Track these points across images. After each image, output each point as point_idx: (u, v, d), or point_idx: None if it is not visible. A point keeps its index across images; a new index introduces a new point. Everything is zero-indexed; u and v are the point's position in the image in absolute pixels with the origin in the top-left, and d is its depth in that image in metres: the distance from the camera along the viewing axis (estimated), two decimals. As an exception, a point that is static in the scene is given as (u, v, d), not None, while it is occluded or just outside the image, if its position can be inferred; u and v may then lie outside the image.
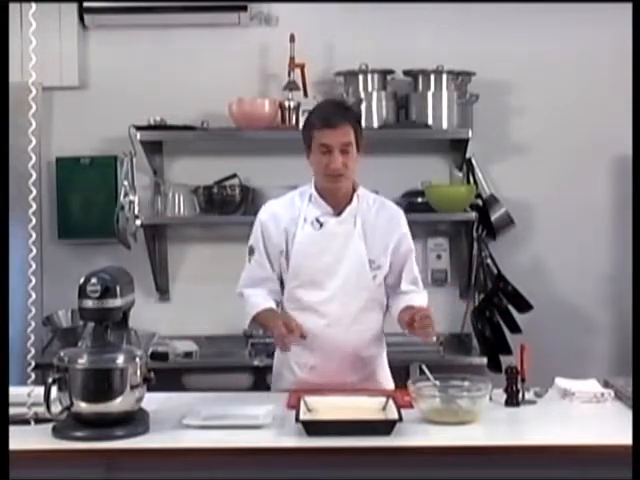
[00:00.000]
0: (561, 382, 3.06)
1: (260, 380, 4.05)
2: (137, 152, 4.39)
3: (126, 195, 4.36)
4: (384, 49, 4.48)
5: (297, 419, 2.56)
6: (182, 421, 2.65)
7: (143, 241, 4.46)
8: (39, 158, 2.88)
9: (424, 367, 2.87)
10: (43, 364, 3.17)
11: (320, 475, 2.47)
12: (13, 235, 2.83)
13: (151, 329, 4.36)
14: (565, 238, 4.59)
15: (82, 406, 2.55)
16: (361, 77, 4.43)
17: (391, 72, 4.51)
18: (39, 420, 2.64)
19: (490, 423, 2.68)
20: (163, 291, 4.63)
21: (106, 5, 4.42)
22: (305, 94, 4.44)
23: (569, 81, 4.55)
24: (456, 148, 4.52)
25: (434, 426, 2.64)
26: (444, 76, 4.42)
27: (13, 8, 2.90)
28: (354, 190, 3.14)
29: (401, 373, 3.37)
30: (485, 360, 4.24)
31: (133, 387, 2.59)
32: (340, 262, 3.09)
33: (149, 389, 2.68)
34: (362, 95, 4.39)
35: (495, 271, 4.49)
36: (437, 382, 2.78)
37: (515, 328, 4.39)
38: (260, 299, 3.14)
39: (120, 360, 2.59)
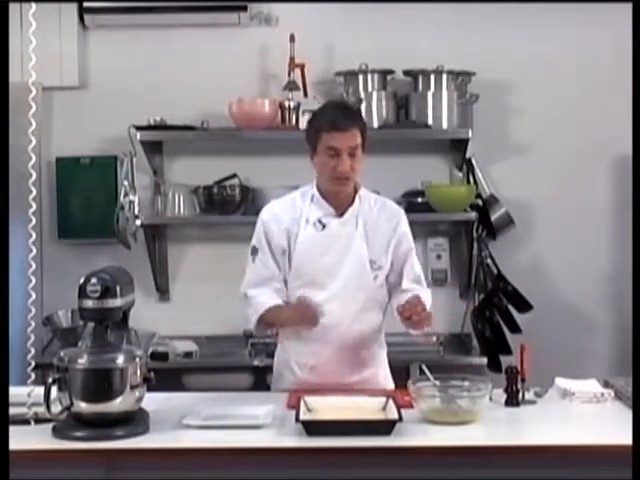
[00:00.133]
0: (561, 382, 3.06)
1: (260, 380, 4.05)
2: (137, 152, 4.39)
3: (126, 195, 4.37)
4: (384, 49, 4.48)
5: (297, 419, 2.56)
6: (182, 421, 2.65)
7: (143, 241, 4.46)
8: (39, 158, 2.88)
9: (424, 367, 2.87)
10: (43, 364, 3.16)
11: (320, 475, 2.47)
12: (13, 235, 2.83)
13: (151, 329, 4.37)
14: (565, 238, 4.59)
15: (82, 406, 2.55)
16: (361, 77, 4.43)
17: (391, 72, 4.51)
18: (39, 420, 2.64)
19: (490, 423, 2.68)
20: (163, 291, 4.63)
21: (106, 5, 4.42)
22: (305, 94, 4.45)
23: (569, 81, 4.55)
24: (456, 148, 4.52)
25: (434, 426, 2.64)
26: (444, 76, 4.42)
27: (13, 8, 2.90)
28: (356, 191, 3.14)
29: (401, 373, 3.37)
30: (485, 360, 4.24)
31: (133, 387, 2.59)
32: (341, 263, 3.09)
33: (149, 389, 2.67)
34: (362, 95, 4.39)
35: (495, 271, 4.49)
36: (437, 382, 2.78)
37: (515, 328, 4.39)
38: (266, 297, 3.11)
39: (120, 360, 2.59)
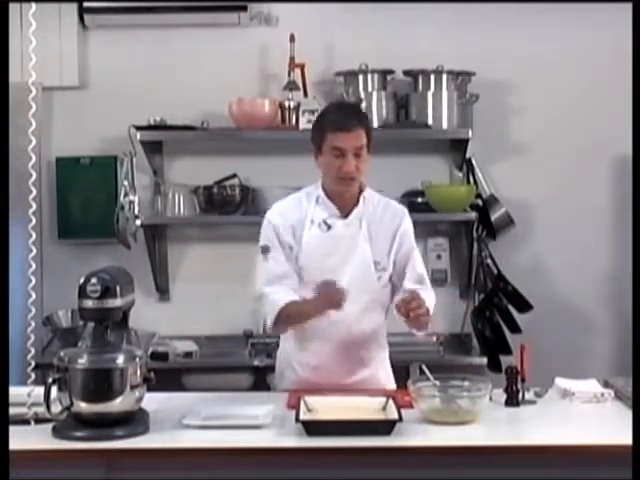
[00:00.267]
0: (561, 382, 3.06)
1: (260, 380, 4.06)
2: (137, 152, 4.39)
3: (126, 195, 4.37)
4: (384, 49, 4.48)
5: (297, 419, 2.56)
6: (182, 421, 2.65)
7: (143, 241, 4.46)
8: (39, 158, 2.88)
9: (424, 367, 2.87)
10: (43, 364, 3.16)
11: (320, 475, 2.47)
12: (13, 235, 2.83)
13: (151, 329, 4.36)
14: (565, 238, 4.59)
15: (82, 406, 2.55)
16: (361, 77, 4.43)
17: (391, 72, 4.51)
18: (39, 420, 2.64)
19: (490, 423, 2.68)
20: (163, 291, 4.63)
21: (106, 5, 4.42)
22: (305, 94, 4.45)
23: (569, 81, 4.55)
24: (456, 148, 4.52)
25: (434, 426, 2.64)
26: (444, 76, 4.42)
27: (13, 8, 2.89)
28: (360, 191, 3.14)
29: (401, 373, 3.37)
30: (485, 360, 4.24)
31: (133, 387, 2.59)
32: (346, 264, 3.08)
33: (149, 389, 2.67)
34: (362, 95, 4.39)
35: (495, 271, 4.49)
36: (437, 382, 2.78)
37: (515, 328, 4.39)
38: (282, 295, 3.05)
39: (120, 360, 2.59)
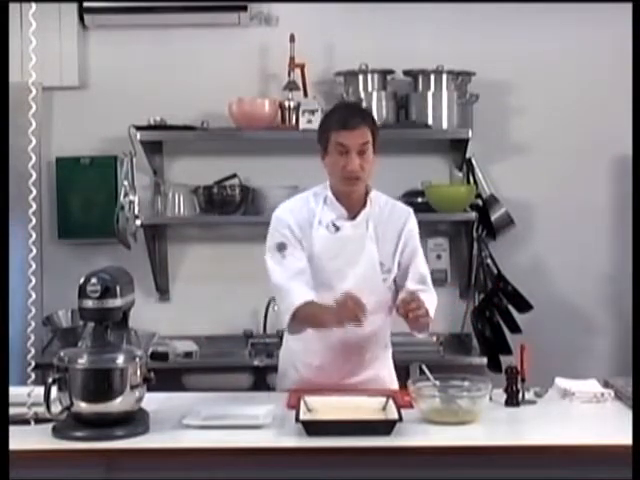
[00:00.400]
0: (561, 382, 3.06)
1: (260, 380, 4.06)
2: (137, 152, 4.39)
3: (126, 195, 4.37)
4: (384, 49, 4.48)
5: (297, 419, 2.56)
6: (182, 421, 2.65)
7: (143, 241, 4.46)
8: (39, 158, 2.88)
9: (424, 367, 2.87)
10: (43, 364, 3.17)
11: (320, 475, 2.47)
12: (13, 235, 2.83)
13: (151, 329, 4.36)
14: (565, 238, 4.59)
15: (82, 406, 2.55)
16: (361, 77, 4.43)
17: (391, 72, 4.51)
18: (39, 420, 2.64)
19: (490, 423, 2.68)
20: (163, 291, 4.63)
21: (106, 5, 4.42)
22: (305, 94, 4.45)
23: (569, 81, 4.55)
24: (456, 148, 4.52)
25: (434, 426, 2.64)
26: (444, 76, 4.42)
27: (13, 8, 2.90)
28: (367, 193, 3.13)
29: (401, 373, 3.36)
30: (485, 360, 4.24)
31: (133, 387, 2.59)
32: (352, 266, 3.07)
33: (149, 389, 2.67)
34: (362, 95, 4.39)
35: (495, 271, 4.49)
36: (437, 382, 2.78)
37: (515, 328, 4.39)
38: (298, 294, 2.99)
39: (120, 360, 2.59)
